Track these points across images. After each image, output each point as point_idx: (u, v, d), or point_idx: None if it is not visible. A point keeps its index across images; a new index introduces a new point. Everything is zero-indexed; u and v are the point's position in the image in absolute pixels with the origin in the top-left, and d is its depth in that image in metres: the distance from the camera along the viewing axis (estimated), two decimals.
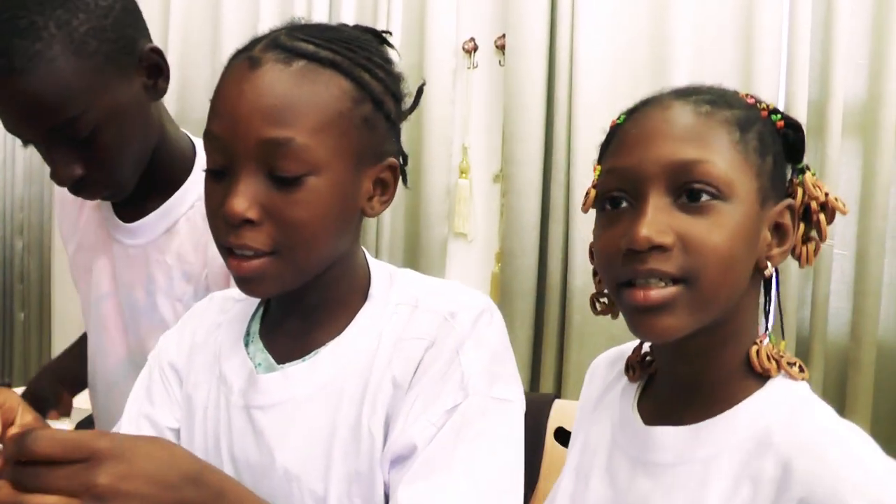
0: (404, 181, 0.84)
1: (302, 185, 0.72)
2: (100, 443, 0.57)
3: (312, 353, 0.80)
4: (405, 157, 0.85)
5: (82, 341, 1.33)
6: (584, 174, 2.03)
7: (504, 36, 2.20)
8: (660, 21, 1.99)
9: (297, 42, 0.74)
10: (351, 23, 2.22)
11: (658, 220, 0.71)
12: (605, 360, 0.95)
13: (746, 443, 0.72)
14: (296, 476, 0.77)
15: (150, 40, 1.02)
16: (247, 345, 0.85)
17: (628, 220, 0.73)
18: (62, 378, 1.40)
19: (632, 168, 0.74)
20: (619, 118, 0.82)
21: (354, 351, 0.79)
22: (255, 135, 0.71)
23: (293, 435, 0.78)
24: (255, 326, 0.87)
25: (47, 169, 1.00)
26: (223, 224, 0.73)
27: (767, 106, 0.79)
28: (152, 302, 1.11)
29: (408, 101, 0.84)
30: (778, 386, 0.76)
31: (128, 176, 1.04)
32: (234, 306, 0.90)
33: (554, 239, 2.09)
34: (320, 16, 2.51)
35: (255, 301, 0.89)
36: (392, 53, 0.84)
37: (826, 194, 0.78)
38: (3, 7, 0.88)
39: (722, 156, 0.72)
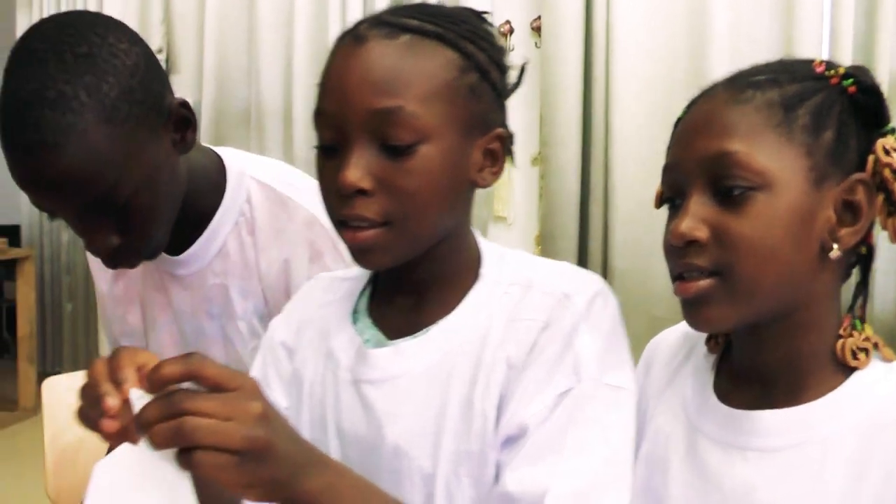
0: (511, 156, 0.83)
1: (413, 154, 0.73)
2: (247, 379, 0.62)
3: (424, 331, 0.80)
4: (511, 134, 0.83)
5: None
6: (624, 153, 2.01)
7: (539, 18, 2.18)
8: None
9: (400, 18, 0.76)
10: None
11: (695, 216, 0.72)
12: (666, 344, 0.92)
13: (862, 425, 0.72)
14: (405, 452, 0.77)
15: (172, 92, 0.98)
16: (354, 322, 0.86)
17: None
18: None
19: (675, 166, 0.76)
20: (682, 112, 0.81)
21: (466, 329, 0.80)
22: (364, 106, 0.72)
23: (404, 411, 0.78)
24: (363, 304, 0.88)
25: None
26: (336, 197, 0.74)
27: (837, 71, 0.75)
28: (219, 325, 1.11)
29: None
30: (877, 368, 0.75)
31: (163, 235, 0.99)
32: (341, 285, 0.91)
33: (594, 220, 2.08)
34: (355, 7, 2.52)
35: (362, 281, 0.89)
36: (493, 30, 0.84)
37: None
38: (27, 78, 0.83)
39: (756, 143, 0.72)
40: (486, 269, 0.83)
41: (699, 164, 0.74)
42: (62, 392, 1.38)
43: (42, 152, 0.84)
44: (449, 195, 0.78)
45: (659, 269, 2.01)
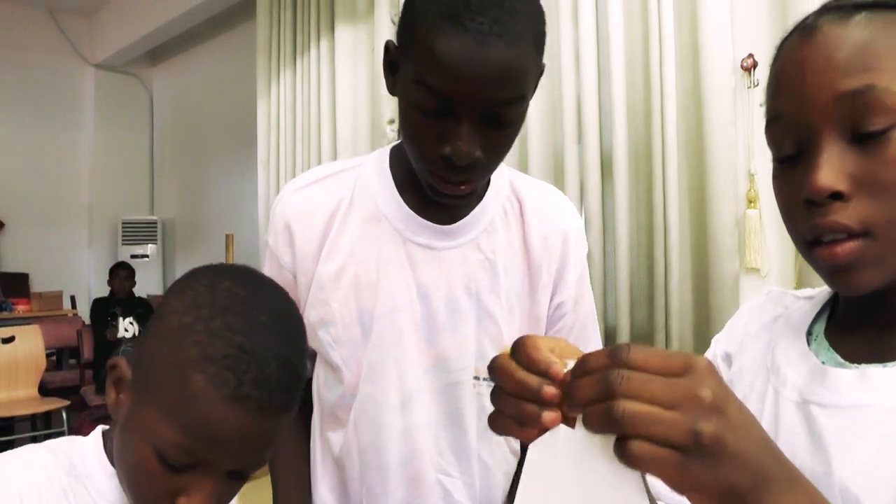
0: None
1: (892, 140, 0.63)
2: (697, 360, 0.51)
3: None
4: None
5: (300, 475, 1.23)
6: None
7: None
8: None
9: None
10: (622, 54, 1.98)
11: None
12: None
13: None
14: (855, 497, 0.65)
15: None
16: (808, 343, 0.77)
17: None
18: None
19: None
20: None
21: None
22: (828, 94, 0.65)
23: (862, 449, 0.66)
24: (819, 328, 0.78)
25: None
26: (805, 210, 0.66)
27: None
28: (477, 300, 1.13)
29: None
30: None
31: (487, 180, 1.09)
32: (794, 302, 0.84)
33: None
34: (589, 46, 2.51)
35: (819, 302, 0.81)
36: None
37: None
38: None
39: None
40: None
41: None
42: None
43: (496, 42, 0.92)
44: None
45: None
